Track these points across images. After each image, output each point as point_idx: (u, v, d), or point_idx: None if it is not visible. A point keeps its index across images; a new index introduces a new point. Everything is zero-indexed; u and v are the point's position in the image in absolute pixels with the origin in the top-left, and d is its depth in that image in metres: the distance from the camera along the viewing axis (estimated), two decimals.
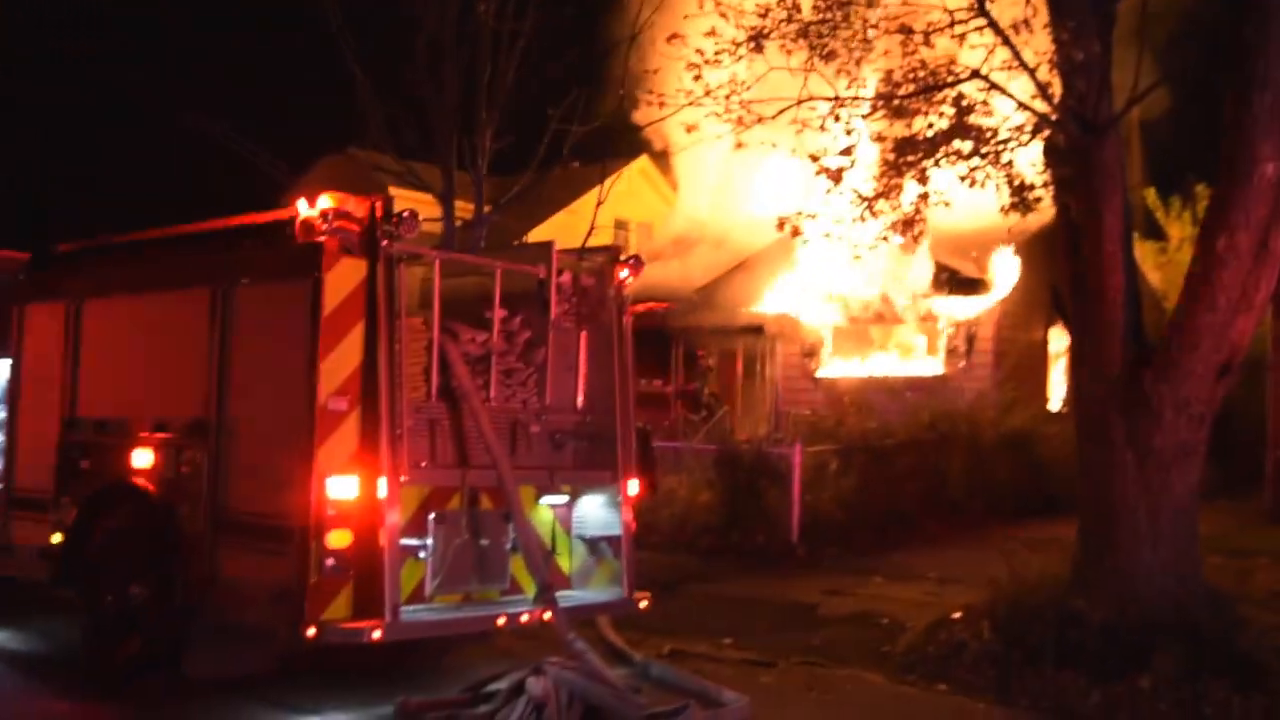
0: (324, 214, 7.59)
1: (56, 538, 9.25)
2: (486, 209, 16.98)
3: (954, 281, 20.47)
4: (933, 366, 21.20)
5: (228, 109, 16.71)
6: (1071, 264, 10.24)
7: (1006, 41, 9.93)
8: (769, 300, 22.33)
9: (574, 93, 16.77)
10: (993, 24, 9.96)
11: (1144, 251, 23.94)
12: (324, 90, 17.46)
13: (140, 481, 8.67)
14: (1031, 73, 9.92)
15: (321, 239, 7.58)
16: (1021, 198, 10.39)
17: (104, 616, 8.74)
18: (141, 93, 16.23)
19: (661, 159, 28.84)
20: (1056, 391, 21.99)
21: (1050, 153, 10.31)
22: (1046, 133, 10.11)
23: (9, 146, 32.18)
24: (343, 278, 7.61)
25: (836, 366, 22.19)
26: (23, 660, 9.67)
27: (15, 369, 10.05)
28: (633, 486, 8.92)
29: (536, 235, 22.65)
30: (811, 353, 22.19)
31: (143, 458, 8.66)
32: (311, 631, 7.34)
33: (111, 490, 8.91)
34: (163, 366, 8.75)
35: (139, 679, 8.44)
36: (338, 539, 7.41)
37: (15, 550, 9.79)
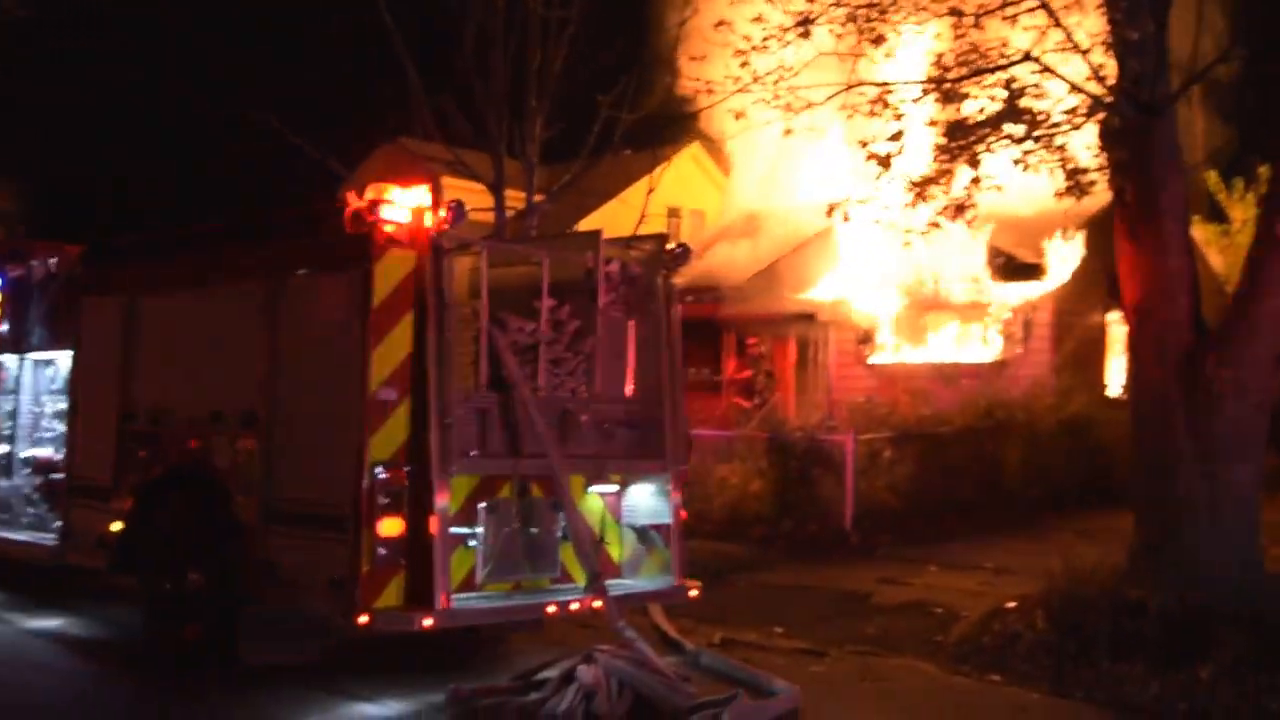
0: (372, 205, 7.63)
1: (116, 526, 9.42)
2: (537, 198, 17.01)
3: (1010, 267, 20.21)
4: (989, 353, 20.94)
5: (281, 102, 16.83)
6: (1129, 248, 10.08)
7: (1059, 22, 9.78)
8: (821, 287, 22.18)
9: (624, 79, 16.77)
10: (1045, 5, 9.81)
11: (1205, 234, 23.50)
12: (377, 82, 17.54)
13: (196, 470, 8.79)
14: (1084, 54, 9.76)
15: (370, 230, 7.62)
16: (1076, 181, 10.23)
17: (162, 603, 8.89)
18: (195, 86, 16.38)
19: (713, 145, 28.74)
20: (1115, 378, 21.65)
21: (1105, 135, 10.15)
22: (1101, 115, 9.95)
23: (65, 140, 32.70)
24: (392, 268, 7.66)
25: (890, 353, 21.99)
26: (84, 646, 9.84)
27: (75, 360, 10.23)
28: (683, 475, 8.90)
29: (588, 224, 22.63)
30: (865, 339, 22.01)
31: (198, 447, 8.78)
32: (364, 619, 7.41)
33: (168, 479, 9.05)
34: (217, 357, 8.87)
35: (197, 665, 8.57)
36: (389, 528, 7.47)
37: (76, 538, 9.97)
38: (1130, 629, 9.17)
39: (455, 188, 16.43)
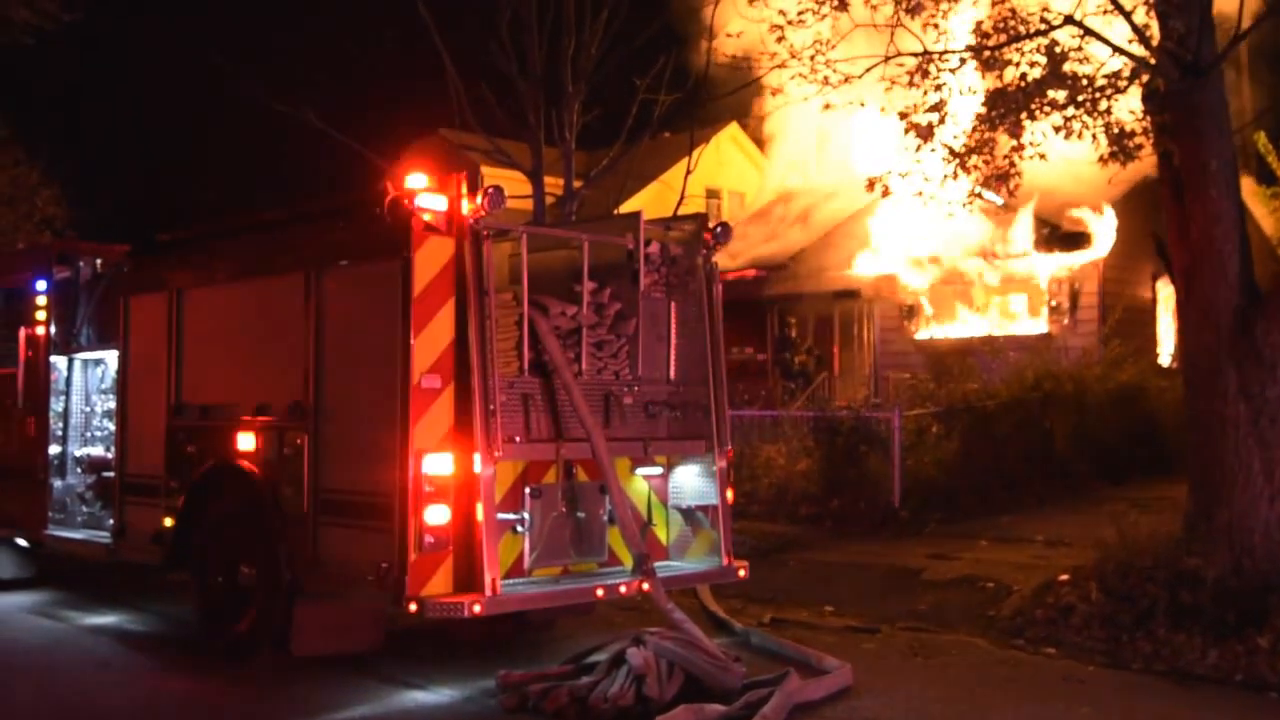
0: (411, 194, 7.64)
1: (168, 521, 9.52)
2: (576, 184, 16.99)
3: (1055, 237, 19.98)
4: (1036, 325, 20.73)
5: (322, 96, 16.94)
6: (1175, 213, 9.90)
7: None
8: (864, 264, 22.04)
9: (660, 61, 16.69)
10: None
11: (1255, 196, 23.07)
12: (416, 73, 17.62)
13: (245, 464, 8.87)
14: (1127, 15, 9.59)
15: (409, 219, 7.63)
16: (1121, 146, 10.09)
17: (215, 597, 8.98)
18: (237, 80, 16.47)
19: (752, 125, 28.61)
20: (1165, 346, 21.37)
21: (1150, 98, 9.98)
22: (1145, 77, 9.78)
23: (110, 142, 33.09)
24: (431, 256, 7.67)
25: (936, 328, 21.83)
26: (139, 641, 9.98)
27: (123, 359, 10.33)
28: (728, 455, 8.86)
29: (628, 208, 22.59)
30: (910, 315, 21.85)
31: (246, 441, 8.86)
32: (413, 607, 7.44)
33: (217, 474, 9.13)
34: (262, 351, 8.93)
35: (251, 657, 8.66)
36: (436, 515, 7.49)
37: (129, 534, 10.09)
38: (1186, 599, 9.06)
39: (495, 176, 16.40)
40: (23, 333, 11.50)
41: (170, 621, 10.41)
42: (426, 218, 7.67)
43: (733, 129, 31.01)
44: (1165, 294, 20.62)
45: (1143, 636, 9.01)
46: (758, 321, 22.95)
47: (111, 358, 10.81)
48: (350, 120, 16.76)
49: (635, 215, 8.82)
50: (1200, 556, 9.29)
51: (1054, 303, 20.44)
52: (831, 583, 11.78)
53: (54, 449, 11.39)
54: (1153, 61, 9.57)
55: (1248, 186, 20.03)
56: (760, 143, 28.82)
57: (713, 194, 29.93)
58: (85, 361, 11.40)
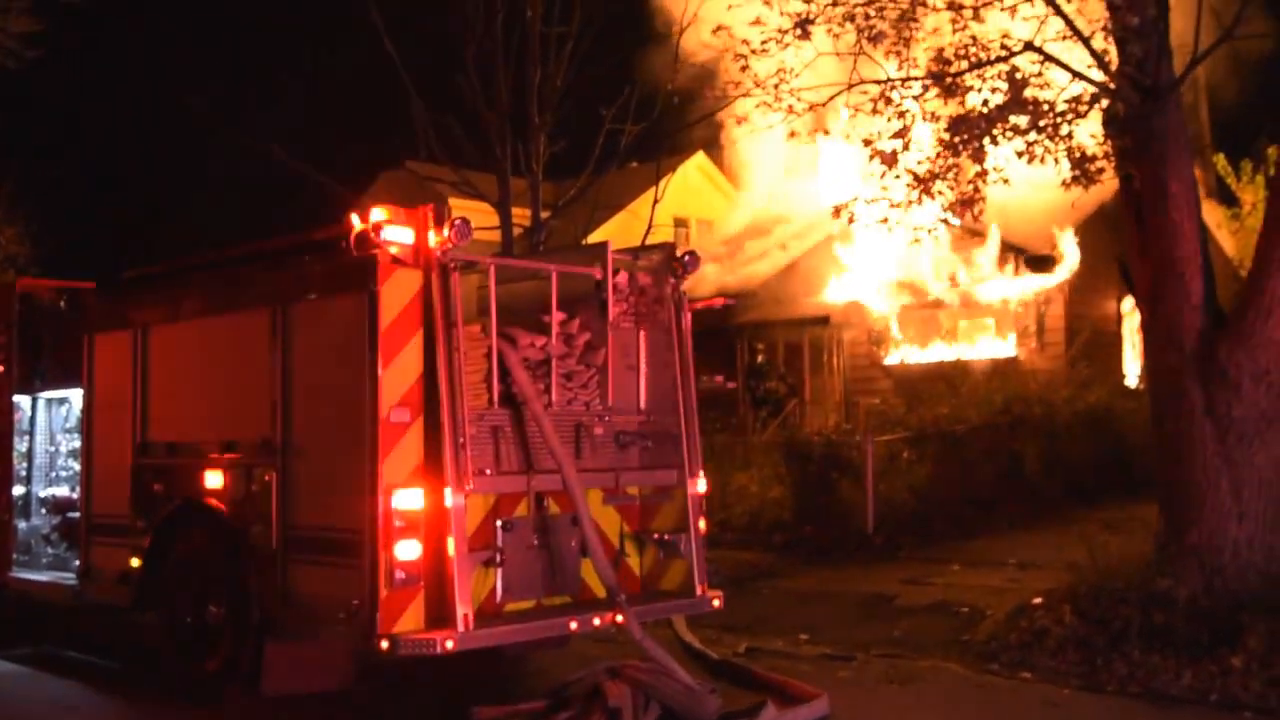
0: (376, 227, 7.60)
1: (135, 561, 9.39)
2: (544, 214, 16.99)
3: (1020, 261, 20.14)
4: (1004, 348, 20.87)
5: (287, 129, 16.90)
6: (1138, 235, 10.00)
7: (1058, 10, 9.72)
8: (833, 290, 22.15)
9: (625, 91, 16.75)
10: None
11: (1216, 218, 23.37)
12: (380, 105, 17.63)
13: (212, 502, 8.78)
14: (1086, 41, 9.70)
15: (375, 252, 7.59)
16: (1083, 170, 10.16)
17: (184, 637, 8.87)
18: (200, 114, 16.42)
19: (718, 154, 28.73)
20: (1131, 368, 21.55)
21: (1110, 122, 10.08)
22: (1105, 102, 9.88)
23: (72, 178, 32.92)
24: (398, 289, 7.63)
25: (905, 353, 21.94)
26: (107, 683, 9.82)
27: (88, 397, 10.22)
28: (700, 484, 8.83)
29: (596, 238, 22.62)
30: (879, 341, 21.95)
31: (213, 479, 8.77)
32: (385, 644, 7.36)
33: (185, 512, 9.03)
34: (228, 387, 8.85)
35: (219, 697, 8.54)
36: (406, 551, 7.42)
37: (96, 576, 9.95)
38: (1159, 620, 9.08)
39: (462, 208, 16.36)
40: None
41: (138, 663, 10.26)
42: (393, 250, 7.63)
43: (699, 158, 31.10)
44: (1130, 316, 20.82)
45: (1117, 659, 9.02)
46: (728, 350, 22.97)
47: (76, 396, 10.69)
48: (316, 152, 16.71)
49: (603, 245, 8.81)
50: (1171, 577, 9.31)
51: (1021, 326, 20.58)
52: (806, 610, 11.75)
53: (18, 489, 11.24)
54: (1112, 86, 9.67)
55: (1209, 207, 20.29)
56: (727, 171, 28.94)
57: (681, 223, 29.98)
58: (49, 400, 11.27)
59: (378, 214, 7.68)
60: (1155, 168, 9.69)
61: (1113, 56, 9.70)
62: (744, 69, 11.36)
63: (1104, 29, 9.70)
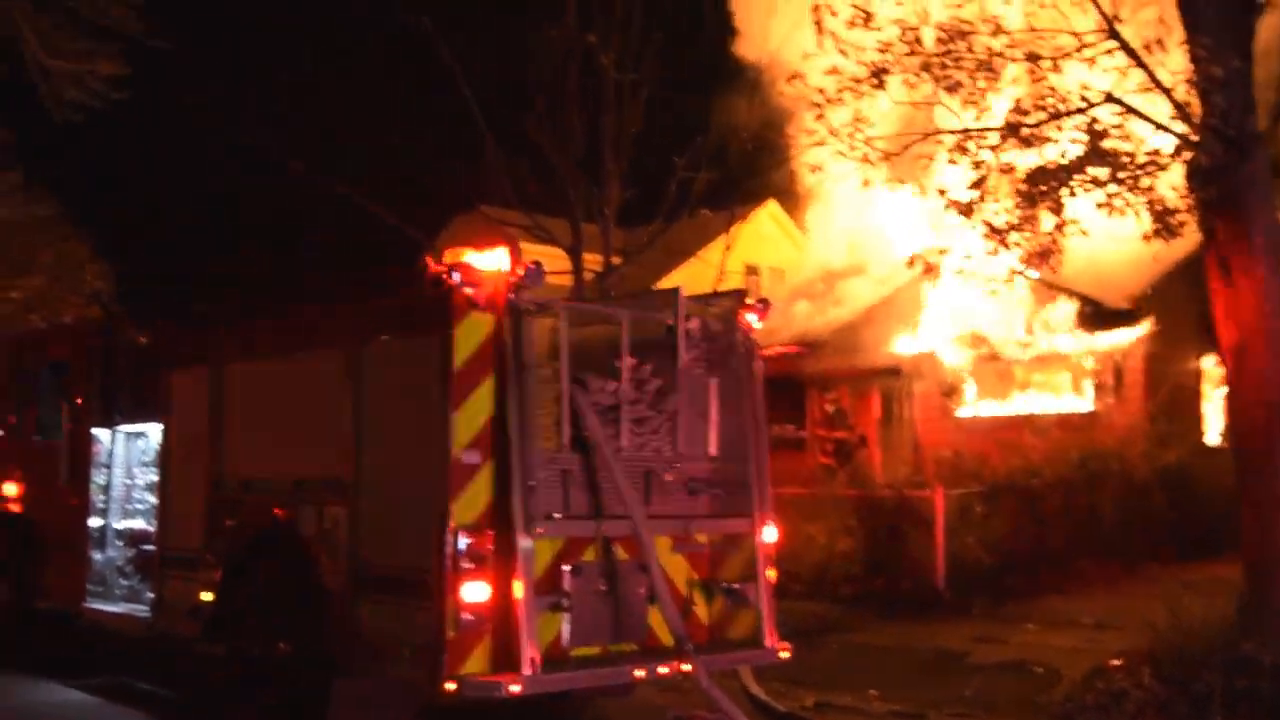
0: (451, 269, 7.65)
1: (206, 595, 9.48)
2: (615, 260, 17.06)
3: (1098, 314, 19.80)
4: (1080, 403, 20.48)
5: (363, 173, 17.18)
6: (1223, 289, 9.80)
7: (1140, 62, 9.61)
8: (905, 341, 21.94)
9: (698, 139, 16.83)
10: (1124, 45, 9.65)
11: None
12: (456, 150, 17.84)
13: (283, 539, 8.83)
14: (1168, 92, 9.57)
15: (449, 294, 7.64)
16: (1165, 223, 10.00)
17: (251, 671, 8.89)
18: (280, 158, 16.76)
19: (790, 202, 28.72)
20: (1213, 424, 21.04)
21: (1193, 174, 9.90)
22: (1188, 154, 9.72)
23: (155, 218, 33.71)
24: (471, 331, 7.66)
25: (977, 406, 21.62)
26: (179, 714, 9.89)
27: (165, 432, 10.38)
28: (770, 533, 8.73)
29: (667, 283, 22.69)
30: (951, 392, 21.66)
31: (285, 515, 8.82)
32: (451, 686, 7.31)
33: (256, 548, 9.10)
34: (302, 425, 8.92)
35: None
36: (474, 592, 7.39)
37: (168, 608, 10.06)
38: (1243, 685, 8.80)
39: (534, 252, 16.53)
40: (66, 406, 11.61)
41: (208, 696, 10.32)
42: (467, 292, 7.67)
43: (771, 206, 31.12)
44: (1211, 371, 20.37)
45: None
46: (797, 398, 22.82)
47: (153, 430, 10.86)
48: (391, 196, 16.96)
49: (674, 291, 8.79)
50: (1256, 640, 9.04)
51: (1098, 380, 20.20)
52: (875, 666, 11.54)
53: (95, 521, 11.43)
54: (1195, 138, 9.52)
55: None
56: (799, 219, 28.90)
57: (751, 270, 29.96)
58: (128, 434, 11.47)
59: (452, 256, 7.73)
60: (1240, 220, 9.52)
61: (1196, 108, 9.56)
62: (819, 118, 11.35)
63: (1187, 80, 9.57)
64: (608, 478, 8.01)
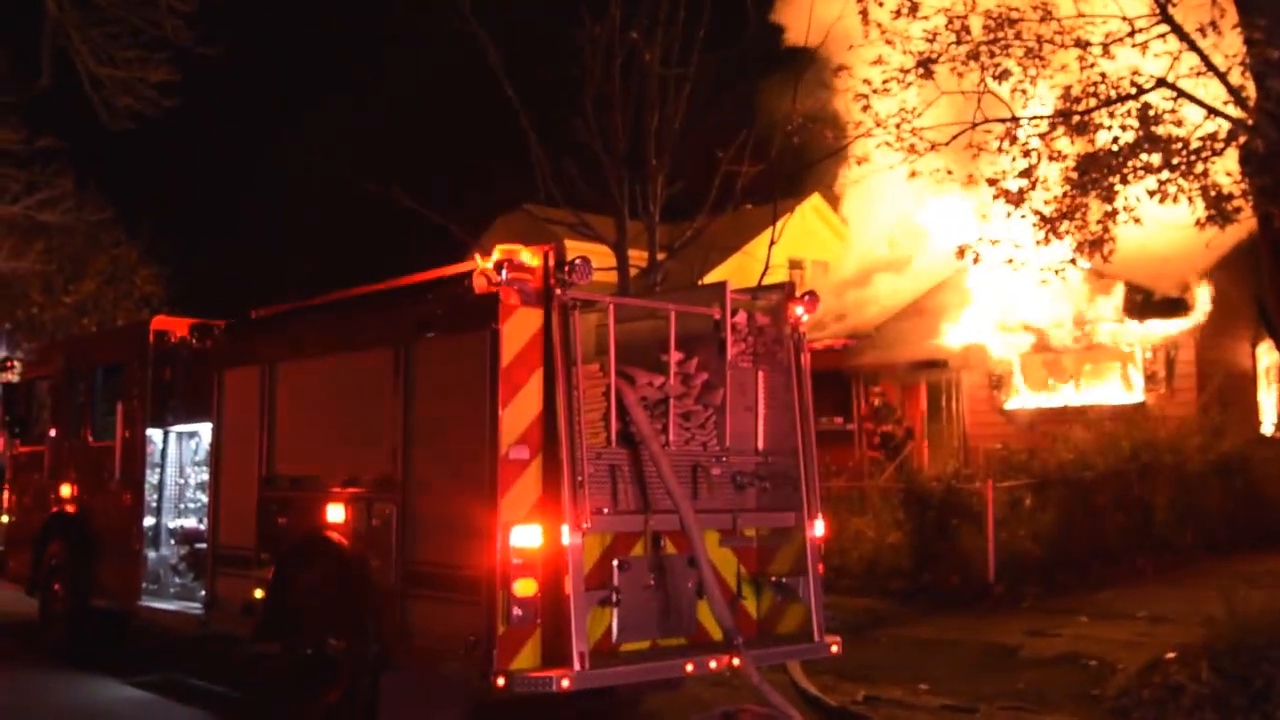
0: (498, 266, 7.66)
1: (258, 593, 9.55)
2: (660, 255, 17.05)
3: (1149, 303, 19.55)
4: (1130, 394, 20.23)
5: (410, 174, 17.31)
6: (1277, 275, 9.62)
7: (1193, 46, 9.48)
8: (951, 333, 21.75)
9: (742, 134, 16.77)
10: (1177, 29, 9.52)
11: None
12: (501, 149, 17.94)
13: (334, 536, 8.88)
14: (1222, 76, 9.43)
15: (497, 291, 7.65)
16: (1219, 209, 9.85)
17: (303, 669, 8.96)
18: (328, 160, 16.92)
19: (834, 195, 28.58)
20: (1268, 415, 20.71)
21: (1248, 160, 9.75)
22: (1242, 139, 9.57)
23: (206, 220, 34.12)
24: (519, 328, 7.67)
25: (1026, 398, 21.41)
26: (231, 712, 9.99)
27: (216, 431, 10.48)
28: (819, 527, 8.68)
29: (711, 279, 22.68)
30: (999, 384, 21.47)
31: (336, 513, 8.88)
32: (501, 681, 7.33)
33: (308, 545, 9.16)
34: (352, 423, 8.97)
35: None
36: (524, 588, 7.41)
37: (220, 605, 10.15)
38: None
39: (579, 249, 16.48)
40: (120, 407, 11.75)
41: (260, 693, 10.42)
42: (515, 289, 7.68)
43: (815, 199, 31.00)
44: (1267, 360, 20.05)
45: (1257, 718, 8.60)
46: (844, 392, 22.71)
47: (205, 430, 10.96)
48: (437, 195, 17.06)
49: (721, 285, 8.77)
50: None
51: (1150, 371, 19.94)
52: (925, 659, 11.44)
53: (148, 520, 11.55)
54: (1250, 123, 9.37)
55: None
56: (843, 212, 28.74)
57: (796, 264, 29.86)
58: (180, 434, 11.59)
59: (500, 253, 7.74)
60: None
61: (1250, 92, 9.40)
62: (865, 109, 11.29)
63: (1241, 64, 9.42)
64: (655, 472, 7.99)
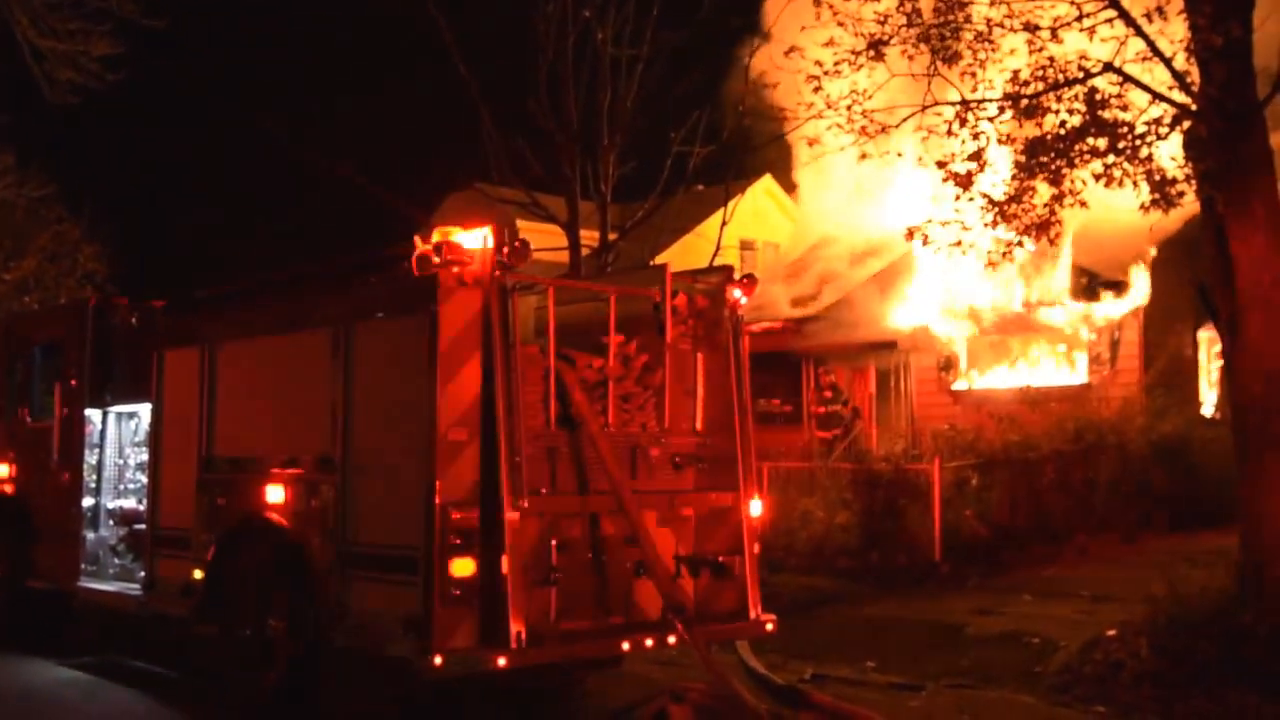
0: (437, 248, 7.58)
1: (197, 574, 9.45)
2: (611, 236, 16.98)
3: (1094, 285, 19.72)
4: (1075, 376, 20.42)
5: (358, 150, 17.12)
6: (1220, 260, 9.70)
7: (1139, 31, 9.50)
8: (901, 315, 21.83)
9: (695, 114, 16.73)
10: (1124, 14, 9.54)
11: None
12: (452, 127, 17.79)
13: (273, 517, 8.80)
14: (1167, 62, 9.46)
15: (436, 273, 7.57)
16: (1163, 193, 9.87)
17: (242, 649, 8.88)
18: (273, 135, 16.70)
19: (786, 177, 28.59)
20: (1209, 396, 20.98)
21: (1192, 145, 9.78)
22: (1187, 124, 9.61)
23: (146, 198, 33.65)
24: (458, 309, 7.60)
25: (974, 379, 21.55)
26: (170, 694, 9.88)
27: (156, 412, 10.33)
28: (755, 507, 8.69)
29: (663, 259, 22.62)
30: (947, 366, 21.58)
31: (275, 494, 8.80)
32: (438, 661, 7.29)
33: (247, 527, 9.07)
34: (291, 404, 8.88)
35: (276, 711, 8.52)
36: (461, 568, 7.37)
37: (159, 587, 10.05)
38: (1240, 655, 8.75)
39: (530, 229, 16.44)
40: (59, 387, 11.56)
41: (199, 675, 10.32)
42: (454, 271, 7.60)
43: (767, 181, 30.98)
44: (1208, 343, 20.30)
45: (1196, 694, 8.71)
46: (793, 373, 22.72)
47: (145, 411, 10.82)
48: (386, 173, 16.91)
49: (662, 268, 8.80)
50: (1254, 611, 8.99)
51: (1094, 353, 20.13)
52: (872, 638, 11.51)
53: (87, 501, 11.41)
54: (1194, 108, 9.41)
55: None
56: (795, 194, 28.78)
57: (747, 245, 29.87)
58: (119, 414, 11.43)
59: (439, 235, 7.67)
60: (1239, 190, 9.41)
61: (1195, 78, 9.44)
62: (816, 90, 11.23)
63: (1186, 50, 9.45)
64: (594, 454, 7.97)
